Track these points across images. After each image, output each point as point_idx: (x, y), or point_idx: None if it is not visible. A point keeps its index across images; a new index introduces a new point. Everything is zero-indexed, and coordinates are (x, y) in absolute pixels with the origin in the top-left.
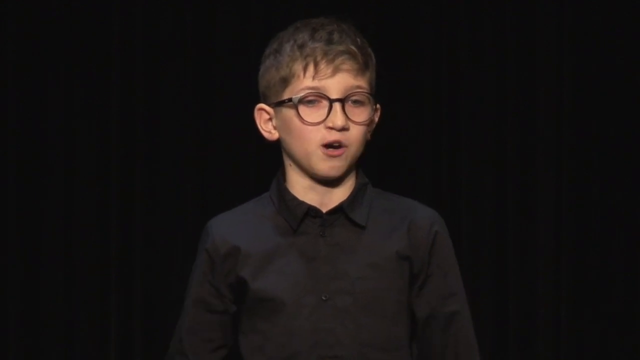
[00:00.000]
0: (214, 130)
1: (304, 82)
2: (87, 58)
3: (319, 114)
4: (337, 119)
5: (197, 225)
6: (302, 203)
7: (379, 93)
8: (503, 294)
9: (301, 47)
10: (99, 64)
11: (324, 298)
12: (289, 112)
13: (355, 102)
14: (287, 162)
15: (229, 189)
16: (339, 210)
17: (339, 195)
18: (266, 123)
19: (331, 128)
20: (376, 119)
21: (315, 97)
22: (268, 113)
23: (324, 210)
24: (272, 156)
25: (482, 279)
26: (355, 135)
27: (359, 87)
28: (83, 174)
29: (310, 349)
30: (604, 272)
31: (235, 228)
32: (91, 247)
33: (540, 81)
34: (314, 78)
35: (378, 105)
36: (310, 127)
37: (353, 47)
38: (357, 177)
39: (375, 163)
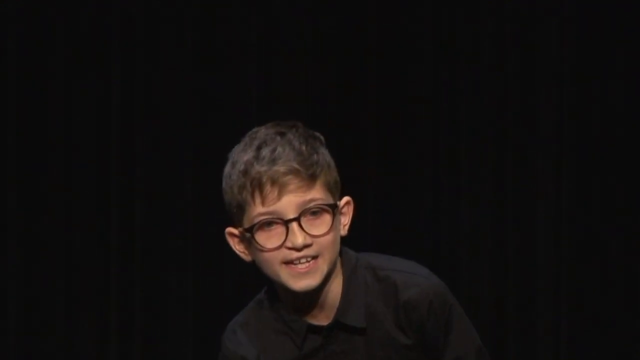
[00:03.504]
0: (214, 130)
1: (257, 209)
2: (87, 56)
3: (277, 237)
4: (296, 238)
5: (197, 225)
6: (301, 322)
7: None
8: (503, 294)
9: (246, 172)
10: (99, 62)
11: None
12: (250, 240)
13: (312, 213)
14: (270, 280)
15: None
16: (336, 322)
17: (332, 293)
18: (239, 245)
19: (292, 248)
20: (350, 213)
21: (270, 221)
22: (237, 236)
23: (323, 316)
24: None
25: (483, 278)
26: (323, 245)
27: (311, 200)
28: (83, 173)
29: None
30: (604, 272)
31: (252, 346)
32: (91, 247)
33: (540, 81)
34: (263, 204)
35: (347, 199)
36: (271, 253)
37: (295, 165)
38: (342, 267)
39: (375, 164)
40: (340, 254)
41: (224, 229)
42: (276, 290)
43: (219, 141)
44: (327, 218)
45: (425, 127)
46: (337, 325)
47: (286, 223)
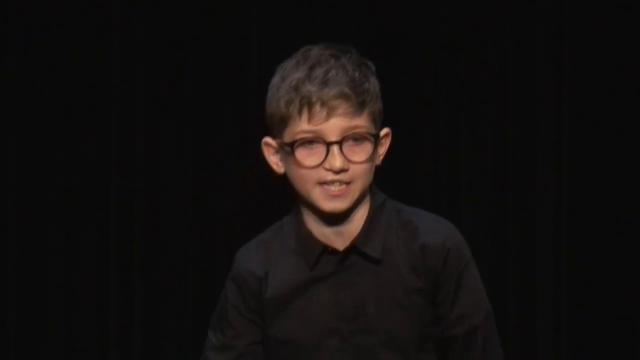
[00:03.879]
0: (215, 130)
1: (301, 126)
2: (87, 52)
3: (317, 157)
4: (335, 161)
5: (197, 225)
6: (317, 242)
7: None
8: (503, 294)
9: (297, 88)
10: (100, 59)
11: (344, 338)
12: (288, 154)
13: (355, 140)
14: (298, 196)
15: (229, 189)
16: (353, 247)
17: (354, 224)
18: (273, 156)
19: (329, 170)
20: (386, 144)
21: (312, 140)
22: (273, 147)
23: (340, 242)
24: None
25: (482, 278)
26: (358, 172)
27: (355, 127)
28: (83, 173)
29: None
30: (604, 272)
31: (262, 265)
32: (91, 247)
33: (540, 81)
34: (309, 122)
35: (387, 130)
36: (308, 170)
37: (347, 90)
38: (371, 198)
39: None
40: (371, 188)
41: (225, 229)
42: (300, 212)
43: (220, 141)
44: (367, 146)
45: (425, 128)
46: (354, 250)
47: (328, 145)
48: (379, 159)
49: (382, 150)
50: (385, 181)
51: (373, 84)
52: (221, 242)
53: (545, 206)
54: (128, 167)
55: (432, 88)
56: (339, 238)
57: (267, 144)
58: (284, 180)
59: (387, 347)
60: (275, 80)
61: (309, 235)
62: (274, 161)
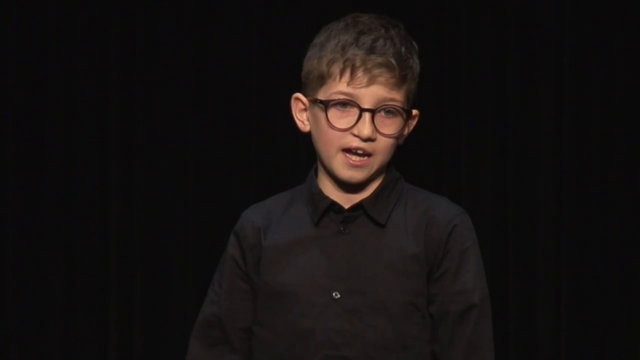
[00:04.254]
0: (214, 131)
1: (339, 86)
2: (87, 50)
3: (348, 120)
4: (365, 128)
5: (197, 225)
6: (326, 198)
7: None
8: (503, 294)
9: (343, 49)
10: (100, 56)
11: (335, 297)
12: (320, 112)
13: (387, 112)
14: (318, 159)
15: (229, 189)
16: (360, 207)
17: (366, 192)
18: (301, 113)
19: (356, 136)
20: (412, 126)
21: (347, 103)
22: (304, 103)
23: (347, 207)
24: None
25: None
26: (383, 145)
27: (392, 99)
28: (83, 171)
29: (316, 348)
30: (604, 272)
31: (265, 217)
32: (91, 247)
33: (541, 80)
34: (348, 84)
35: (415, 112)
36: (337, 132)
37: (392, 60)
38: (387, 173)
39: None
40: (388, 165)
41: (225, 229)
42: (317, 173)
43: (220, 141)
44: (398, 121)
45: (425, 127)
46: (360, 208)
47: (361, 111)
48: (402, 139)
49: (407, 131)
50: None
51: (416, 62)
52: (222, 242)
53: (546, 206)
54: (128, 167)
55: (432, 88)
56: (348, 203)
57: (298, 99)
58: (308, 139)
59: (375, 310)
60: (320, 39)
61: (319, 193)
62: (301, 118)
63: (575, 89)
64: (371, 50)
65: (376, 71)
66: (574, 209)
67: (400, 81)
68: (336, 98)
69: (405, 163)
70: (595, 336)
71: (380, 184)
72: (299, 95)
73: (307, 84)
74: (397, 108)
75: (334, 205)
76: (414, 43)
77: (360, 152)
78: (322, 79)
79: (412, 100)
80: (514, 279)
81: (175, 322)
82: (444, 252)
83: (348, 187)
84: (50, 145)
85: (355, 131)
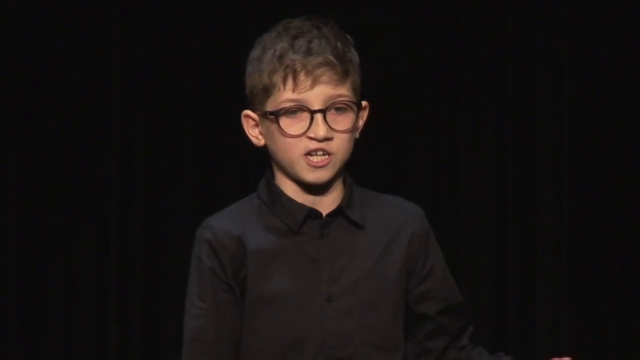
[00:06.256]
0: (215, 131)
1: (284, 95)
2: (87, 48)
3: (300, 125)
4: (319, 129)
5: (197, 224)
6: (302, 205)
7: (365, 91)
8: (503, 294)
9: (280, 58)
10: (99, 53)
11: (329, 299)
12: (271, 124)
13: (338, 109)
14: (276, 167)
15: (229, 189)
16: (337, 211)
17: (332, 196)
18: (253, 129)
19: (313, 138)
20: (364, 117)
21: (297, 109)
22: (254, 119)
23: (317, 209)
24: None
25: (483, 278)
26: (340, 142)
27: (340, 95)
28: (83, 171)
29: (315, 351)
30: (604, 272)
31: (239, 226)
32: (91, 247)
33: (541, 80)
34: (293, 91)
35: (365, 104)
36: (293, 139)
37: (331, 58)
38: (345, 173)
39: (375, 163)
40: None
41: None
42: (277, 183)
43: (220, 141)
44: (350, 116)
45: (425, 127)
46: (339, 212)
47: (312, 113)
48: (357, 132)
49: (361, 123)
50: (385, 181)
51: (354, 54)
52: None
53: (545, 206)
54: (128, 167)
55: (432, 88)
56: (317, 208)
57: (247, 116)
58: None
59: (369, 309)
60: (256, 52)
61: (291, 201)
62: (254, 134)
63: (575, 89)
64: (308, 52)
65: (318, 71)
66: (574, 208)
67: (343, 76)
68: (285, 106)
69: (405, 163)
70: (595, 336)
71: (347, 186)
72: (248, 112)
73: (254, 99)
74: (347, 103)
75: (312, 212)
76: (348, 36)
77: (320, 152)
78: (267, 91)
79: (360, 92)
80: (514, 279)
81: (175, 323)
82: (426, 250)
83: (315, 189)
84: (50, 144)
85: (311, 134)
